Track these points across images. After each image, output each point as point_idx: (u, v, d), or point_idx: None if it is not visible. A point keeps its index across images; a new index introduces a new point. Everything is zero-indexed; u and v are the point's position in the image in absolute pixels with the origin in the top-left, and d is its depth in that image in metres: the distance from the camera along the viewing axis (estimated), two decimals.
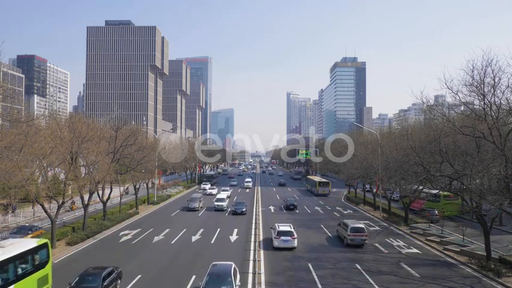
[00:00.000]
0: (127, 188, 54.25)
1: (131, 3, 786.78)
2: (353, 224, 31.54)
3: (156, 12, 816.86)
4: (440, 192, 36.32)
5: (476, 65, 22.35)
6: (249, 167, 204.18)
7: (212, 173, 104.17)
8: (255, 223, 39.86)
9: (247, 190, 77.36)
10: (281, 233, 29.40)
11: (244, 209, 44.86)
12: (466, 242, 29.68)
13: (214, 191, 67.80)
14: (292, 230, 30.18)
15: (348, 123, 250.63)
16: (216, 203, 49.09)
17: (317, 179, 76.55)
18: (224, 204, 48.95)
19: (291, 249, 29.41)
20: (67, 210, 45.09)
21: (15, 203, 44.03)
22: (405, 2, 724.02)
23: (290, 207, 50.96)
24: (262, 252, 28.09)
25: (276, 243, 29.16)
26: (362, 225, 31.71)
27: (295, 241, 29.40)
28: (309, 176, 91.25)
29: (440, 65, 37.26)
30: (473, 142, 24.44)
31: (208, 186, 76.78)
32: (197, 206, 49.06)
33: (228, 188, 69.53)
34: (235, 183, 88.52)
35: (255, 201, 56.89)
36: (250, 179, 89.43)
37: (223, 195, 53.07)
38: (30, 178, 27.37)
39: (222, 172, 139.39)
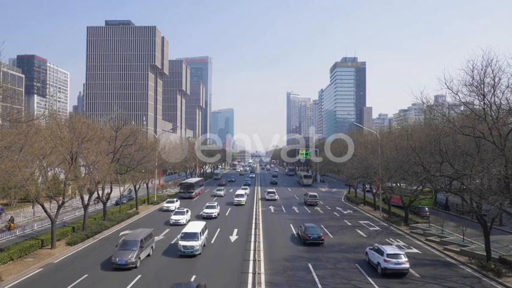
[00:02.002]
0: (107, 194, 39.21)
1: (131, 3, 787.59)
2: (311, 192, 59.73)
3: (156, 12, 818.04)
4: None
5: (476, 65, 22.38)
6: (247, 168, 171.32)
7: (193, 180, 67.35)
8: (255, 224, 39.91)
9: (241, 206, 53.47)
10: (269, 192, 61.60)
11: None
12: (466, 242, 29.66)
13: (183, 219, 39.08)
14: (275, 191, 63.43)
15: (348, 123, 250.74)
16: (183, 244, 27.13)
17: (303, 173, 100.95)
18: (197, 244, 27.19)
19: (275, 200, 59.82)
20: (2, 230, 33.97)
21: (13, 203, 43.92)
22: (405, 2, 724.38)
23: (273, 182, 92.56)
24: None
25: (266, 197, 60.44)
26: (315, 194, 57.81)
27: (277, 196, 61.78)
28: (297, 172, 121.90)
29: (440, 65, 37.36)
30: (473, 142, 24.43)
31: (174, 205, 49.22)
32: (132, 259, 23.97)
33: (215, 205, 44.96)
34: (222, 192, 66.59)
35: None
36: (243, 191, 61.10)
37: (196, 226, 29.64)
38: (30, 178, 27.37)
39: (213, 176, 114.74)
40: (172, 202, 50.69)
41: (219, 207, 45.99)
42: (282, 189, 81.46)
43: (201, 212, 44.34)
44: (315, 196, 55.80)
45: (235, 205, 53.59)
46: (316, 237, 30.52)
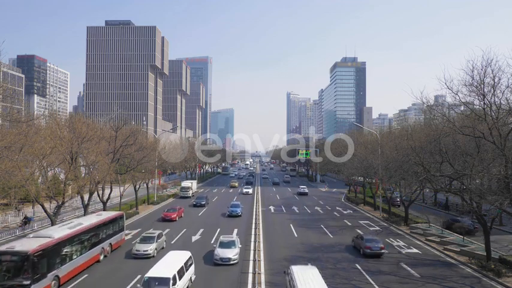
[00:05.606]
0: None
1: (131, 3, 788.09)
2: (286, 175, 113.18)
3: (156, 12, 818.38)
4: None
5: (476, 65, 22.37)
6: (244, 174, 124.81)
7: (44, 239, 19.47)
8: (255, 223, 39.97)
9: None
10: (264, 174, 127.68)
11: None
12: (466, 242, 29.68)
13: None
14: (267, 172, 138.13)
15: (348, 123, 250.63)
16: None
17: (290, 167, 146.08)
18: None
19: (267, 178, 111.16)
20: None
21: (13, 203, 43.85)
22: (405, 2, 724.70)
23: (265, 170, 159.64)
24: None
25: (263, 176, 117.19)
26: (288, 175, 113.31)
27: (268, 175, 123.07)
28: (287, 167, 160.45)
29: (440, 65, 37.38)
30: (473, 142, 24.42)
31: None
32: None
33: None
34: (151, 248, 26.59)
35: None
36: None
37: None
38: (30, 178, 27.38)
39: (180, 192, 63.11)
40: None
41: None
42: (280, 186, 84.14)
43: None
44: (288, 177, 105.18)
45: None
46: (276, 182, 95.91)
